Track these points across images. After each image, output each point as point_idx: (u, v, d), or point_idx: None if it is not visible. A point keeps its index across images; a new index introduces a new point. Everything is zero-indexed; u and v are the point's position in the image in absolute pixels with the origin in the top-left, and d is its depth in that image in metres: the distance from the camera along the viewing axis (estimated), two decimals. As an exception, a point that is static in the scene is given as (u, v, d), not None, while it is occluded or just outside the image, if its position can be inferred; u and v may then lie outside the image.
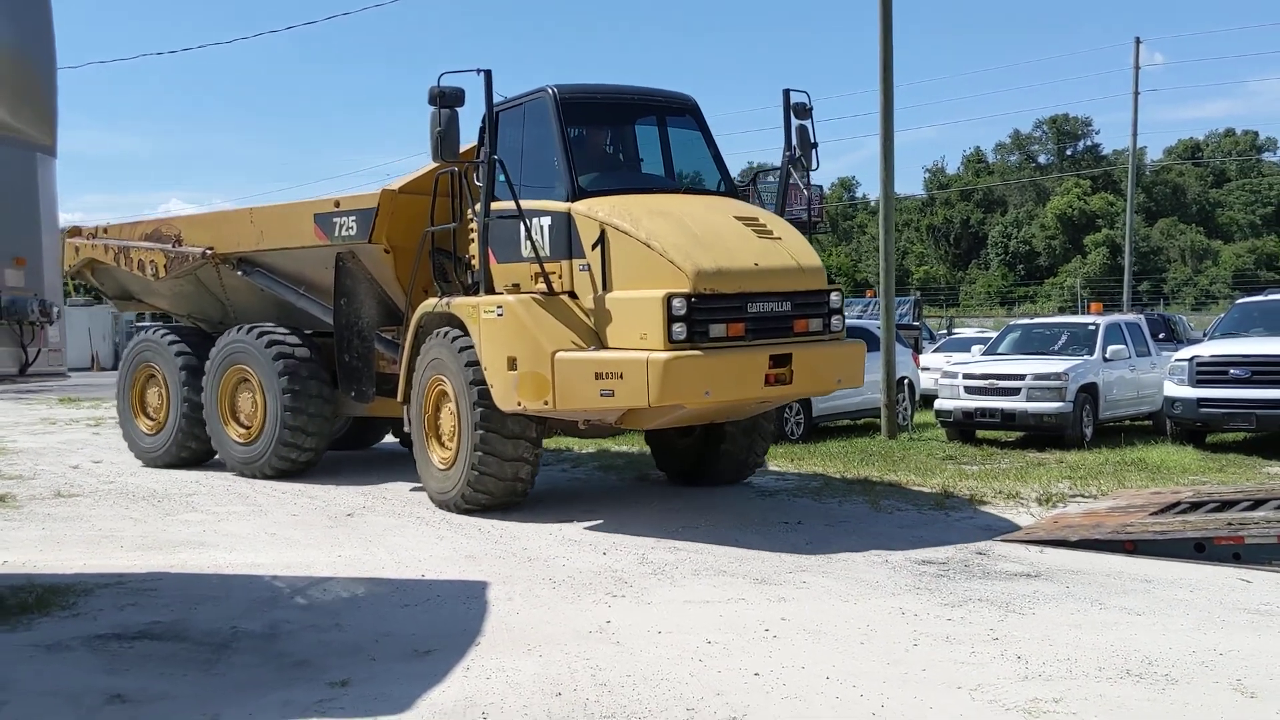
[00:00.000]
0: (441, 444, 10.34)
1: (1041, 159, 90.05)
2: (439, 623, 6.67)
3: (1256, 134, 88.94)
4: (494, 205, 9.79)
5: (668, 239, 8.85)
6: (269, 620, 6.74)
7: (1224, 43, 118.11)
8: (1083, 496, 10.64)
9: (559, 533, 9.34)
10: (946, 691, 5.27)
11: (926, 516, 9.78)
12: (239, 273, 12.91)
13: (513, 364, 9.21)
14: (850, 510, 10.19)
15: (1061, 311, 54.80)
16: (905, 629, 6.34)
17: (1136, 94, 41.87)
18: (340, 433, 14.74)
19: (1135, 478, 11.87)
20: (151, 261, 13.81)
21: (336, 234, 11.52)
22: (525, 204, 9.55)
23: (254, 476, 12.39)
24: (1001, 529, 9.08)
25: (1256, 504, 9.14)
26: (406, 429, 10.89)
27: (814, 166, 10.53)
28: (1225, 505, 9.30)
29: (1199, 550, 8.02)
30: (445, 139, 9.31)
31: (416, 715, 5.13)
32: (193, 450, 13.41)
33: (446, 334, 10.04)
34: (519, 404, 9.22)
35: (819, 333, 9.37)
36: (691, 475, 11.58)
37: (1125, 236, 45.91)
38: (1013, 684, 5.34)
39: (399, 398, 10.85)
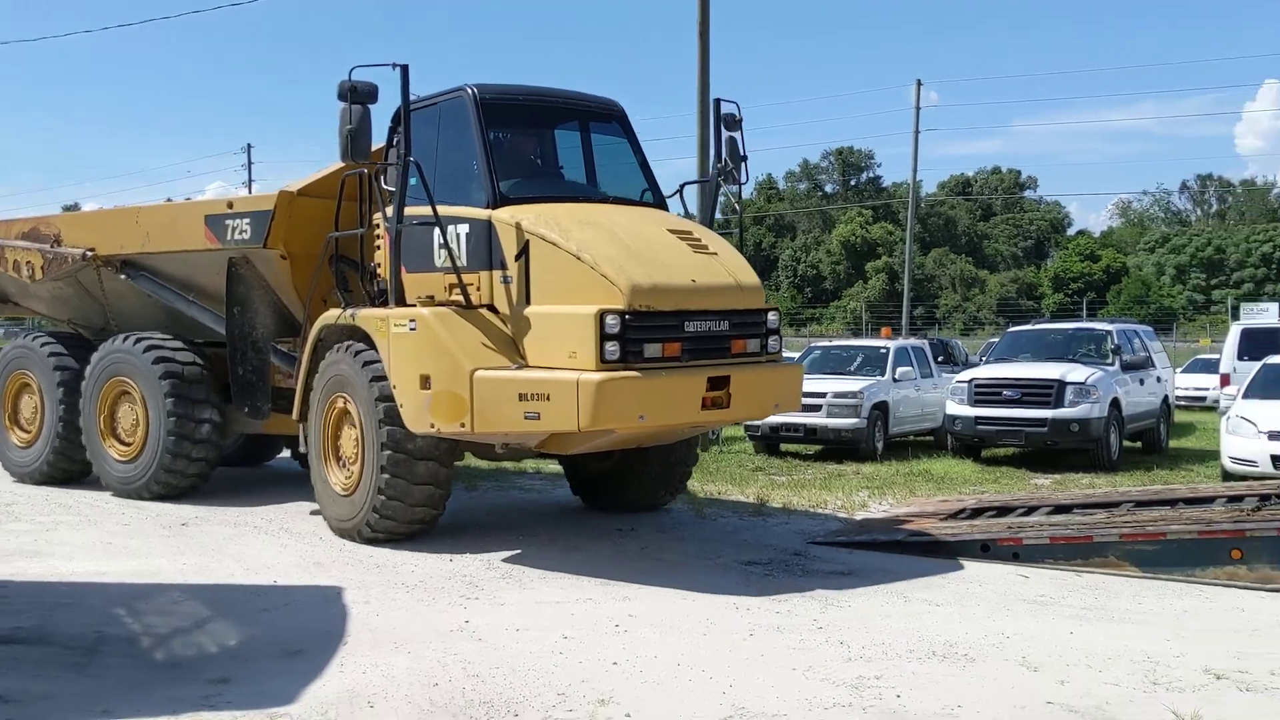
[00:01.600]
0: (342, 466, 9.62)
1: (828, 188, 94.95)
2: (302, 625, 6.98)
3: (1019, 172, 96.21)
4: (406, 211, 9.05)
5: (600, 251, 8.29)
6: (131, 626, 6.92)
7: (993, 87, 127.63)
8: (880, 504, 11.68)
9: (401, 544, 9.32)
10: (784, 673, 6.02)
11: (746, 522, 10.74)
12: (123, 276, 12.09)
13: (426, 382, 8.52)
14: (678, 518, 10.99)
15: (854, 334, 57.99)
16: (741, 621, 7.08)
17: (917, 132, 44.54)
18: (232, 448, 13.75)
19: (924, 487, 13.12)
20: (28, 262, 12.98)
21: (229, 237, 10.85)
22: (441, 210, 8.91)
23: (133, 497, 11.55)
24: (814, 533, 10.02)
25: (1030, 510, 10.38)
26: (302, 449, 10.14)
27: (744, 180, 10.04)
28: (1004, 511, 10.51)
29: (984, 550, 9.13)
30: (356, 138, 8.65)
31: (304, 707, 5.48)
32: (69, 466, 12.56)
33: (350, 348, 9.36)
34: (432, 426, 8.55)
35: (756, 354, 8.87)
36: (608, 501, 11.02)
37: (905, 264, 49.04)
38: (839, 665, 6.17)
39: (294, 415, 10.11)
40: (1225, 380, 19.19)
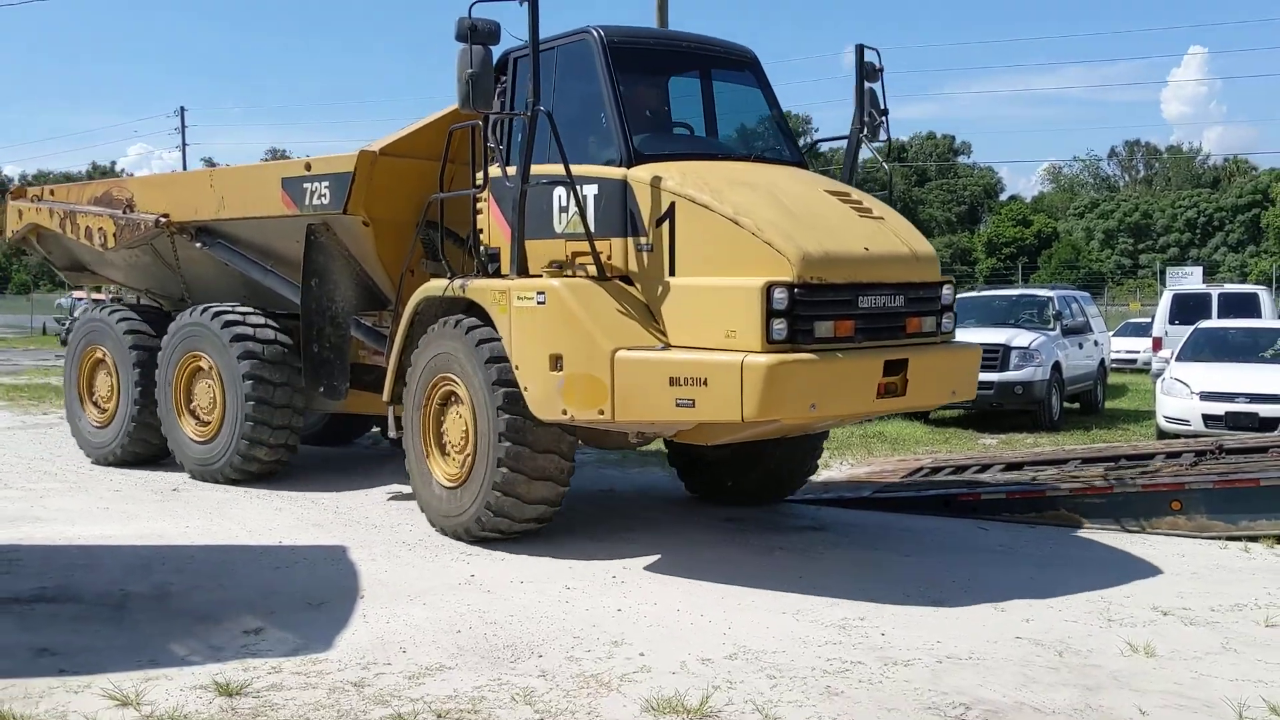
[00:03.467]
0: (446, 456, 8.17)
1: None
2: (316, 581, 6.84)
3: (954, 137, 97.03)
4: (509, 170, 7.82)
5: (761, 215, 6.94)
6: (152, 583, 6.73)
7: (927, 53, 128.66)
8: (841, 464, 11.73)
9: (396, 504, 9.30)
10: (775, 616, 6.13)
11: None
12: (198, 244, 10.75)
13: (557, 363, 7.20)
14: (654, 478, 10.66)
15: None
16: (729, 571, 7.12)
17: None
18: (316, 427, 12.61)
19: (880, 447, 12.99)
20: (100, 229, 11.64)
21: (307, 202, 9.48)
22: (551, 169, 7.53)
23: (213, 480, 10.24)
24: (807, 491, 9.83)
25: (984, 468, 10.79)
26: (392, 434, 8.73)
27: (889, 138, 8.83)
28: (959, 469, 10.92)
29: (945, 505, 9.37)
30: (478, 83, 7.22)
31: (342, 653, 5.44)
32: (145, 449, 11.16)
33: (460, 324, 7.90)
34: (564, 412, 7.20)
35: (931, 334, 7.57)
36: (728, 492, 9.52)
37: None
38: (825, 609, 6.27)
39: (385, 397, 8.72)
40: (1158, 344, 19.74)
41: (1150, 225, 76.51)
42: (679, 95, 8.56)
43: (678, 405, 6.81)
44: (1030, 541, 8.19)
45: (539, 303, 7.39)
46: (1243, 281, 53.84)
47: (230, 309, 10.34)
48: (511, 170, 7.66)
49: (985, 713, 4.78)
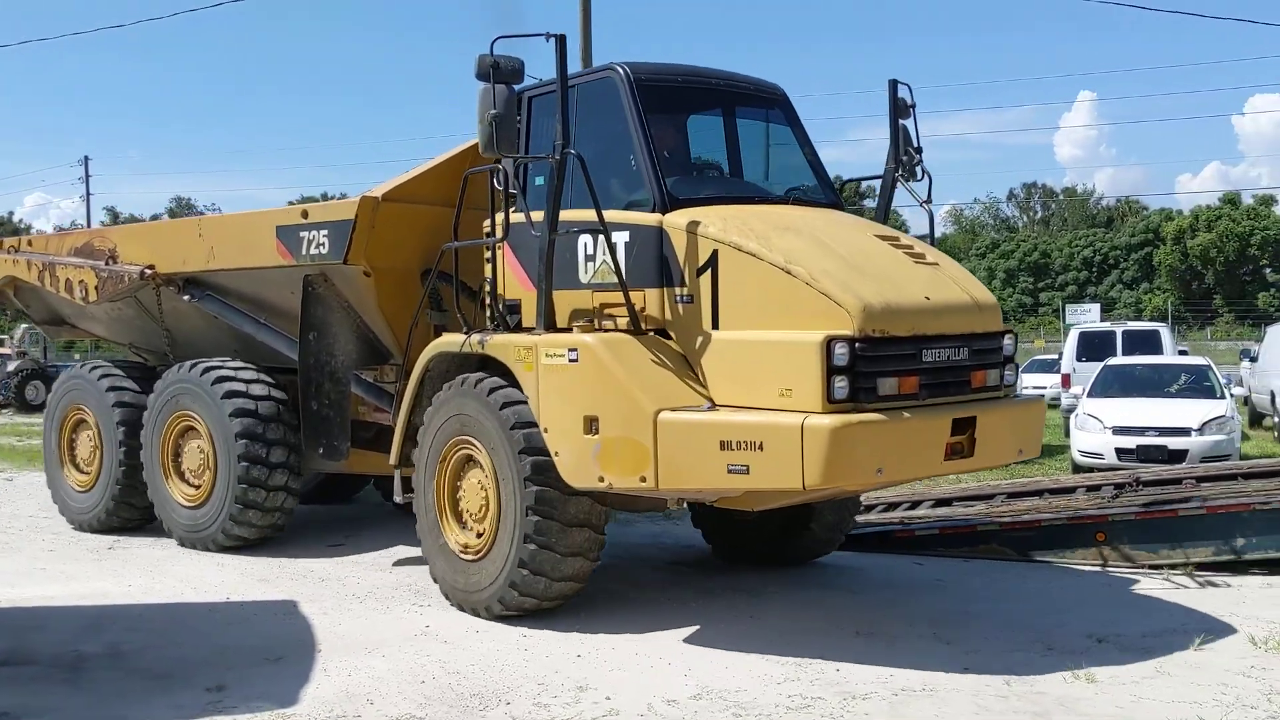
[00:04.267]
0: (463, 525, 7.51)
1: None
2: (271, 635, 6.74)
3: (860, 181, 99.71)
4: (533, 216, 7.08)
5: (814, 264, 6.41)
6: (105, 643, 6.55)
7: (833, 99, 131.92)
8: None
9: (342, 557, 9.19)
10: (734, 655, 6.29)
11: (662, 526, 10.54)
12: (186, 297, 10.11)
13: (592, 426, 6.58)
14: None
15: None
16: (682, 612, 7.22)
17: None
18: (309, 486, 11.52)
19: None
20: (81, 282, 10.98)
21: (304, 252, 8.89)
22: (584, 215, 6.98)
23: (204, 548, 9.53)
24: None
25: (914, 505, 11.11)
26: (398, 498, 8.09)
27: (924, 178, 8.24)
28: (891, 506, 11.27)
29: (883, 541, 9.58)
30: (502, 125, 6.71)
31: (310, 706, 5.42)
32: (130, 513, 10.44)
33: (478, 384, 7.22)
34: (602, 480, 6.58)
35: (995, 388, 7.00)
36: (763, 555, 8.79)
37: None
38: (780, 646, 6.42)
39: (392, 460, 8.03)
40: (1066, 381, 20.58)
41: (1049, 264, 79.16)
42: (706, 134, 8.08)
43: (730, 472, 6.18)
44: (965, 575, 8.46)
45: (570, 360, 6.73)
46: (1138, 317, 55.81)
47: (221, 364, 9.73)
48: (537, 216, 7.06)
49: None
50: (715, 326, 6.65)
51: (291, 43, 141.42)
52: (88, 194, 54.53)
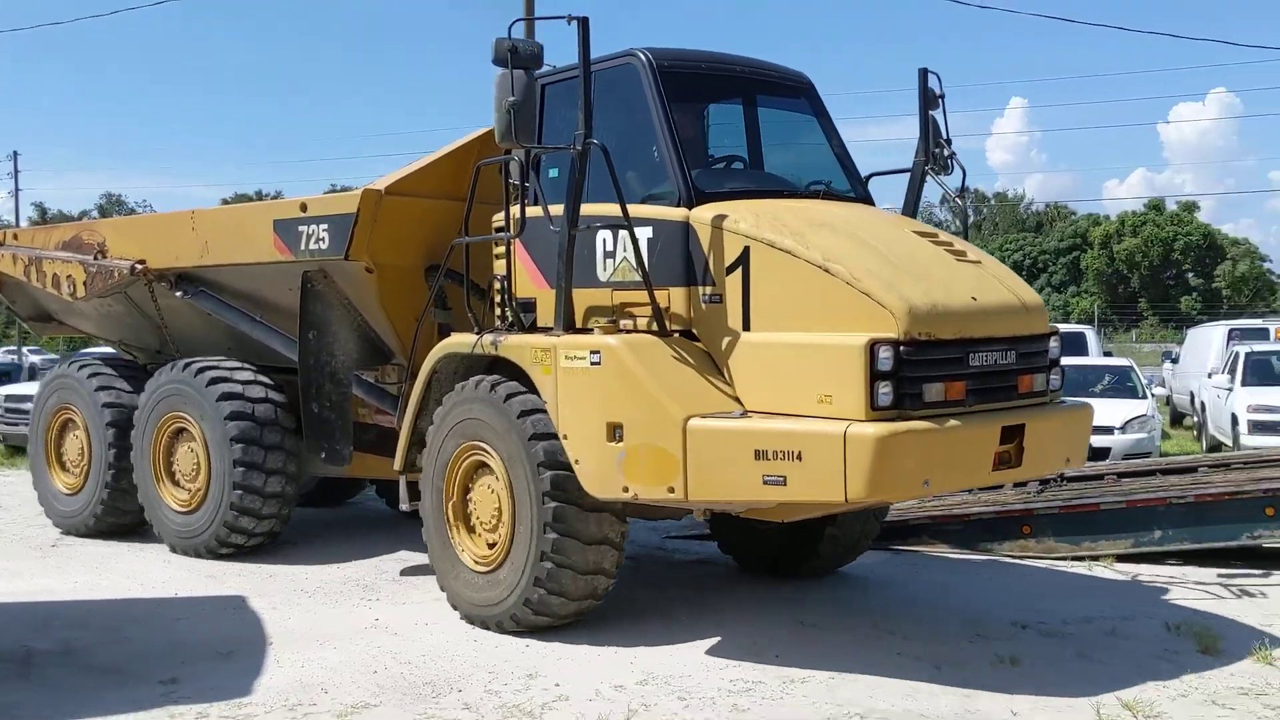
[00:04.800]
0: (473, 534, 7.13)
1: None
2: (222, 630, 6.79)
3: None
4: (551, 210, 6.66)
5: (855, 262, 5.99)
6: (55, 640, 6.56)
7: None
8: None
9: (288, 551, 9.16)
10: (678, 645, 6.48)
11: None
12: (178, 293, 9.69)
13: (615, 433, 6.20)
14: None
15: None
16: (628, 606, 7.33)
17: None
18: (306, 489, 10.91)
19: None
20: (69, 277, 10.52)
21: (303, 246, 8.50)
22: (600, 209, 6.61)
23: (196, 554, 9.07)
24: (670, 529, 9.99)
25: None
26: (404, 505, 7.68)
27: (955, 170, 7.70)
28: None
29: None
30: (521, 113, 6.31)
31: (265, 696, 5.51)
32: (119, 518, 10.01)
33: (492, 388, 6.81)
34: (626, 490, 6.18)
35: (1042, 393, 6.56)
36: (783, 565, 8.33)
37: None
38: (724, 635, 6.63)
39: (397, 465, 7.67)
40: None
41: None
42: (727, 124, 7.69)
43: (765, 483, 5.77)
44: (897, 567, 8.74)
45: (593, 363, 6.34)
46: (1066, 319, 57.04)
47: (216, 364, 9.28)
48: (555, 210, 6.64)
49: (879, 720, 5.25)
50: (746, 328, 6.26)
51: (222, 41, 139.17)
52: (16, 190, 53.32)
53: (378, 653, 6.37)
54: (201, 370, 9.16)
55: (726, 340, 6.30)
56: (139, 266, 9.83)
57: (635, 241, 6.37)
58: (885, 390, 5.63)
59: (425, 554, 7.48)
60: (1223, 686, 5.70)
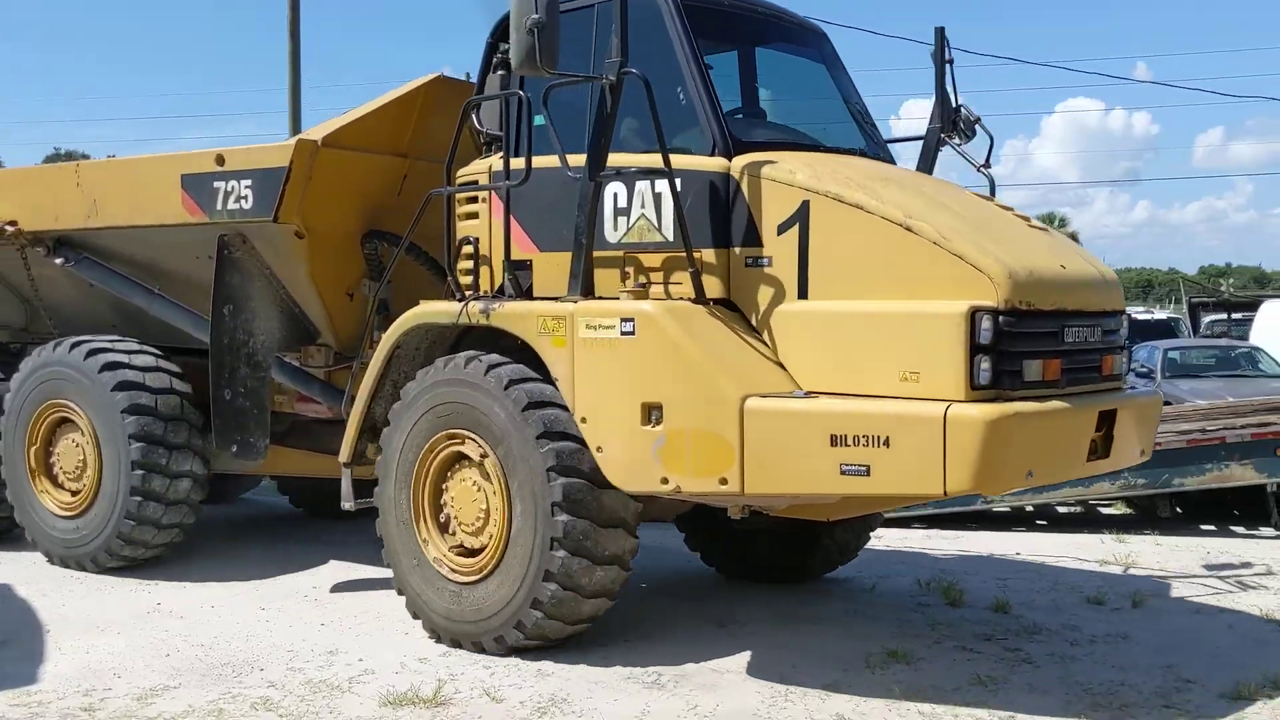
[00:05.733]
0: (446, 533, 6.17)
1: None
2: None
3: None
4: (564, 157, 5.66)
5: (939, 220, 5.22)
6: None
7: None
8: None
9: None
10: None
11: None
12: (58, 260, 8.28)
13: (653, 416, 5.34)
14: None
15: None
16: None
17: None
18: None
19: None
20: None
21: (220, 206, 7.31)
22: (624, 159, 5.74)
23: (80, 567, 7.81)
24: None
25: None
26: (349, 505, 6.66)
27: (975, 137, 6.86)
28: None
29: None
30: (545, 34, 5.32)
31: (54, 684, 5.35)
32: None
33: (490, 370, 5.80)
34: (665, 481, 5.34)
35: (1118, 377, 5.87)
36: (775, 576, 7.49)
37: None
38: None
39: (343, 456, 6.59)
40: None
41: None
42: (730, 74, 6.79)
43: (844, 473, 5.00)
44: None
45: (624, 333, 5.43)
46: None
47: (110, 346, 7.85)
48: (569, 161, 5.67)
49: (676, 676, 5.52)
50: (802, 296, 5.41)
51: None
52: None
53: (166, 636, 6.23)
54: (93, 353, 7.77)
55: (775, 310, 5.46)
56: (9, 228, 8.37)
57: (676, 193, 5.46)
58: (985, 367, 4.91)
59: (200, 529, 7.41)
60: (969, 633, 6.26)
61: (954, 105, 6.82)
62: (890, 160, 6.65)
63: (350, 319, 7.37)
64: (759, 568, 7.51)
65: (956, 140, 6.81)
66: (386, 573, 6.46)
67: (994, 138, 6.79)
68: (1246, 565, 8.12)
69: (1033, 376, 5.11)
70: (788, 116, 6.72)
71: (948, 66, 6.78)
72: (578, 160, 5.61)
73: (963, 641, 6.14)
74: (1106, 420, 5.46)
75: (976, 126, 6.80)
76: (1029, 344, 5.10)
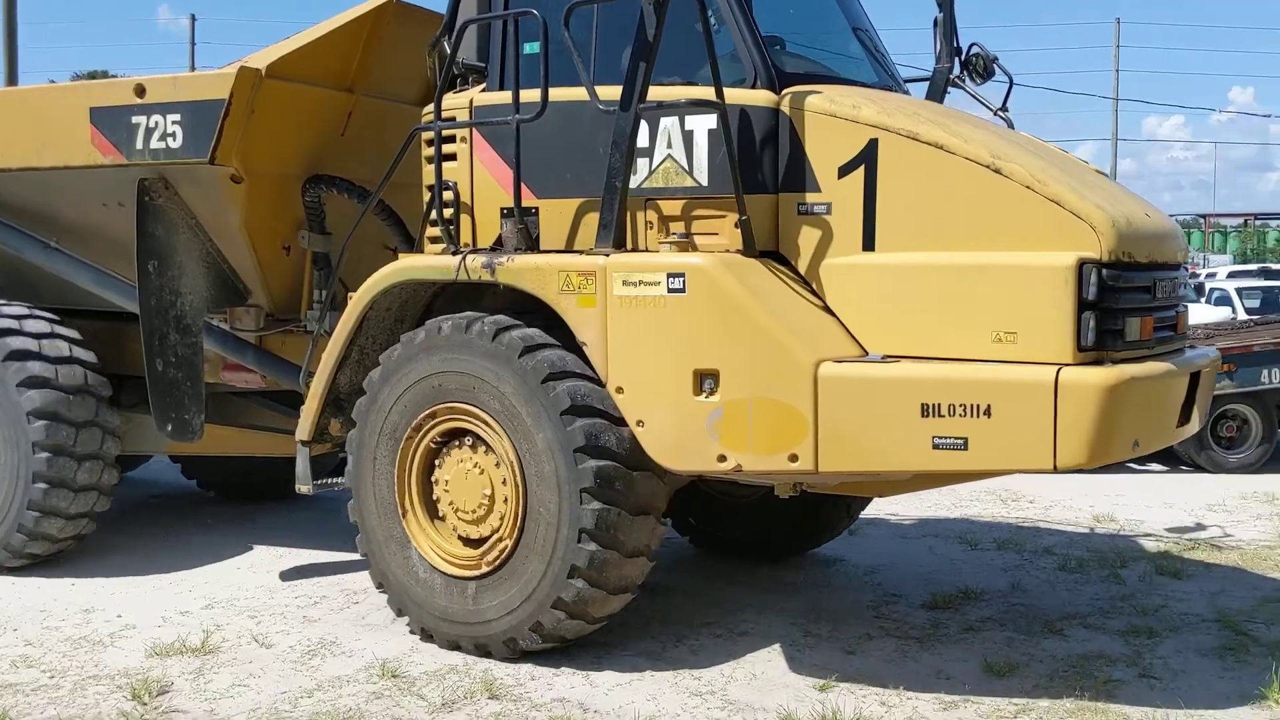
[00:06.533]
0: (439, 521, 5.41)
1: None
2: None
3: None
4: (592, 88, 4.92)
5: (1029, 163, 4.63)
6: None
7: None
8: None
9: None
10: (234, 572, 6.63)
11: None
12: None
13: (706, 384, 4.69)
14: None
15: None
16: (177, 544, 7.30)
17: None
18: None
19: None
20: None
21: (140, 145, 6.21)
22: (667, 92, 4.96)
23: None
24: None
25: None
26: (306, 488, 5.93)
27: (988, 77, 6.11)
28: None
29: None
30: None
31: None
32: None
33: (499, 334, 5.03)
34: (723, 459, 4.68)
35: (1185, 335, 5.34)
36: (755, 551, 6.92)
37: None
38: (279, 564, 6.80)
39: (302, 433, 5.82)
40: None
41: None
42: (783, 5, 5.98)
43: (936, 447, 4.41)
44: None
45: (671, 289, 4.73)
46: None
47: (2, 312, 6.75)
48: (565, 94, 5.06)
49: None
50: (869, 247, 4.78)
51: None
52: None
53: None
54: None
55: (833, 263, 4.83)
56: None
57: (728, 129, 4.70)
58: (1092, 326, 4.39)
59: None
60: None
61: (962, 45, 6.15)
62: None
63: (285, 276, 6.53)
64: (740, 544, 6.97)
65: (971, 81, 6.13)
66: (155, 542, 6.52)
67: (1013, 78, 6.15)
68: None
69: (1133, 336, 4.60)
70: (805, 50, 5.88)
71: (950, 9, 6.16)
72: (610, 93, 4.86)
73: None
74: (1192, 384, 5.00)
75: (995, 66, 6.14)
76: (1130, 300, 4.61)
